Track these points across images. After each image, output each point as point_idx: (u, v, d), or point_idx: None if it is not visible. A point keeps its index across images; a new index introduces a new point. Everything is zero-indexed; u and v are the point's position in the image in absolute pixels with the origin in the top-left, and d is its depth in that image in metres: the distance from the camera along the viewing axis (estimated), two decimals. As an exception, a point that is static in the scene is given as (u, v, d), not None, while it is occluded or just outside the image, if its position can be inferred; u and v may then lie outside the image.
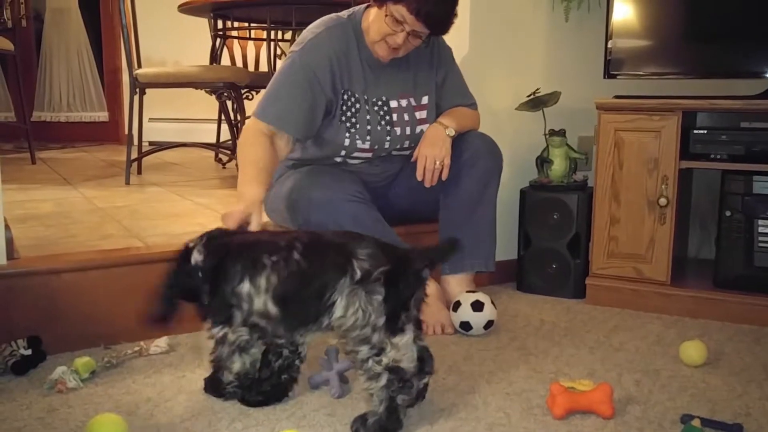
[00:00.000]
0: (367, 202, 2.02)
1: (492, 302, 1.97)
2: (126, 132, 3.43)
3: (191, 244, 1.50)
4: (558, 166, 2.39)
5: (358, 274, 1.35)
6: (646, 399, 1.56)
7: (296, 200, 2.00)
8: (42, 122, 5.32)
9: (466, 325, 1.95)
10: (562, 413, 1.45)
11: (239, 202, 1.74)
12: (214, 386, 1.55)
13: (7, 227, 1.82)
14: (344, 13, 2.08)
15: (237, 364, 1.49)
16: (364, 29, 2.03)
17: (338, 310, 1.36)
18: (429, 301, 1.98)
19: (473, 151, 2.08)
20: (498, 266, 2.29)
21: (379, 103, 2.07)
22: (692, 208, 2.54)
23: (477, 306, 1.94)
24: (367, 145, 2.07)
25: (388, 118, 2.08)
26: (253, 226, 1.68)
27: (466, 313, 1.95)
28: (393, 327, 1.35)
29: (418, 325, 1.44)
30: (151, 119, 4.47)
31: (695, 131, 2.16)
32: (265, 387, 1.51)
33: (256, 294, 1.41)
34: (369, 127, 2.05)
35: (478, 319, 1.94)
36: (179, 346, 1.84)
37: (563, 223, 2.34)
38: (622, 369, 1.73)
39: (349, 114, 2.04)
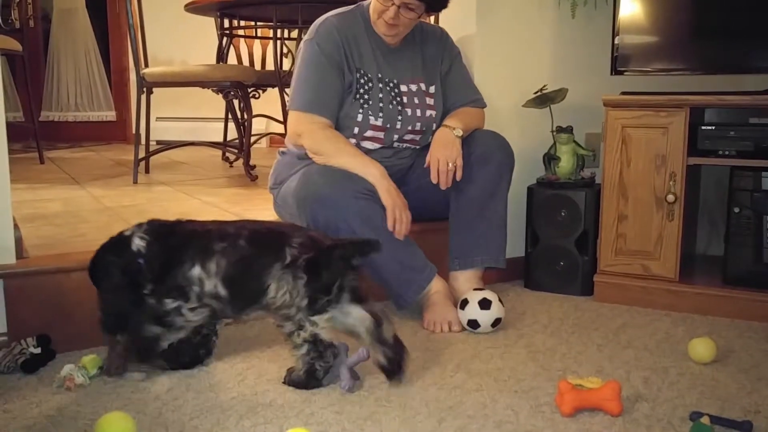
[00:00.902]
0: (376, 199, 2.02)
1: (500, 300, 1.97)
2: (133, 131, 3.43)
3: (127, 232, 1.62)
4: (565, 163, 2.38)
5: (288, 259, 1.54)
6: (655, 396, 1.56)
7: (305, 197, 2.01)
8: (50, 122, 5.34)
9: (473, 323, 1.95)
10: (570, 411, 1.45)
11: (380, 187, 1.96)
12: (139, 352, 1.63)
13: (15, 226, 1.82)
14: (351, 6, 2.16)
15: (181, 334, 1.62)
16: (371, 14, 2.10)
17: (271, 291, 1.55)
18: (437, 298, 2.02)
19: (485, 148, 2.11)
20: (506, 264, 2.29)
21: (391, 84, 2.13)
22: (700, 205, 2.52)
23: (484, 304, 1.94)
24: (379, 122, 2.09)
25: (399, 99, 2.13)
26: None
27: (473, 311, 1.94)
28: (313, 308, 1.54)
29: (360, 299, 1.61)
30: (158, 118, 4.48)
31: (703, 127, 2.15)
32: (184, 358, 1.68)
33: (207, 277, 1.56)
34: (381, 105, 2.10)
35: (485, 317, 1.94)
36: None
37: (571, 220, 2.33)
38: (631, 366, 1.73)
39: (362, 91, 2.09)
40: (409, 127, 2.14)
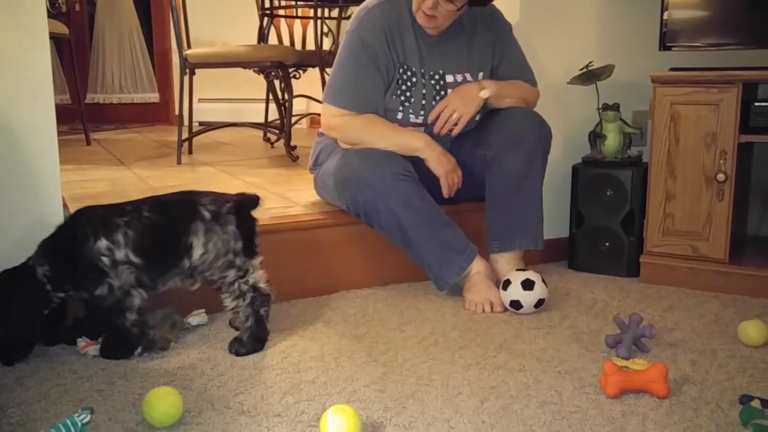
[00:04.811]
0: (415, 181, 2.01)
1: (543, 281, 1.95)
2: (176, 113, 3.47)
3: (30, 262, 1.62)
4: (612, 142, 2.33)
5: (208, 215, 1.63)
6: (703, 379, 1.52)
7: (345, 178, 2.01)
8: (95, 104, 5.43)
9: (516, 304, 1.93)
10: (615, 392, 1.43)
11: (429, 156, 2.01)
12: (120, 342, 1.65)
13: (65, 206, 1.87)
14: None
15: (136, 298, 1.64)
16: (413, 2, 2.03)
17: (198, 249, 1.63)
18: (477, 279, 2.01)
19: (519, 127, 2.06)
20: (549, 244, 2.27)
21: (436, 77, 2.08)
22: (752, 184, 2.45)
23: (527, 284, 1.92)
24: (420, 120, 2.07)
25: (443, 93, 2.08)
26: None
27: (516, 291, 1.93)
28: (249, 250, 1.67)
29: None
30: (200, 100, 4.53)
31: (756, 104, 2.08)
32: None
33: (117, 248, 1.60)
34: (423, 102, 2.05)
35: (528, 298, 1.92)
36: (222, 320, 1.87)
37: (617, 199, 2.28)
38: (678, 349, 1.70)
39: (404, 87, 2.04)
40: None
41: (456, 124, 2.04)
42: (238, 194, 1.73)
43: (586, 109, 2.40)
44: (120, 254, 1.61)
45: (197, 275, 1.68)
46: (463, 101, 2.02)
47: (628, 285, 2.22)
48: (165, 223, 1.64)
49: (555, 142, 2.14)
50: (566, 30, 2.44)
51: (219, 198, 1.69)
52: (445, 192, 2.02)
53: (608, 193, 2.29)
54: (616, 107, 2.31)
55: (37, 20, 1.77)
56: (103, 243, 1.60)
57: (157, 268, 1.65)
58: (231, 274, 1.66)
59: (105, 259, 1.60)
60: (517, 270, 1.99)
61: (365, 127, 2.02)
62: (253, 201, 1.73)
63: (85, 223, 1.62)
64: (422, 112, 2.06)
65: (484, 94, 2.03)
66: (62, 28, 3.77)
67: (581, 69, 2.32)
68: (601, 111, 2.33)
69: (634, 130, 2.36)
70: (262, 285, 1.69)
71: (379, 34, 2.00)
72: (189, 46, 3.47)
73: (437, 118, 2.04)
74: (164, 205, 1.67)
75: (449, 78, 2.09)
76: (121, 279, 1.61)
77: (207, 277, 1.67)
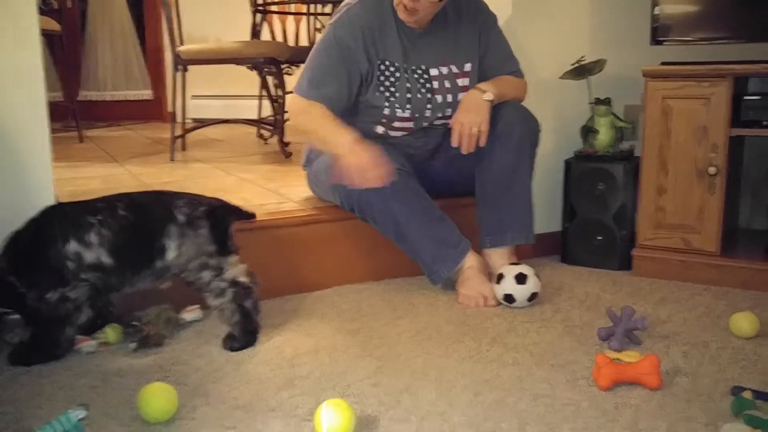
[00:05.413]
0: (409, 175, 2.02)
1: (536, 274, 1.96)
2: (169, 109, 3.46)
3: None
4: (603, 136, 2.34)
5: (182, 218, 1.63)
6: (695, 371, 1.54)
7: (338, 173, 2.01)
8: (88, 101, 5.41)
9: (509, 298, 1.94)
10: (607, 384, 1.44)
11: (343, 155, 1.91)
12: (42, 349, 1.60)
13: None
14: None
15: (83, 315, 1.62)
16: None
17: (171, 252, 1.63)
18: (471, 273, 2.01)
19: (506, 122, 2.05)
20: (542, 238, 2.28)
21: (419, 71, 2.06)
22: (743, 177, 2.46)
23: (520, 278, 1.93)
24: (407, 114, 2.06)
25: (428, 86, 2.06)
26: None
27: (509, 285, 1.93)
28: (223, 250, 1.66)
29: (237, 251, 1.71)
30: (193, 96, 4.52)
31: (747, 97, 2.09)
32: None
33: (87, 249, 1.57)
34: (409, 95, 2.05)
35: (521, 292, 1.93)
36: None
37: (609, 193, 2.29)
38: (670, 341, 1.71)
39: (387, 83, 2.03)
40: (439, 114, 2.10)
41: (479, 137, 2.00)
42: (216, 200, 1.72)
43: (578, 104, 2.41)
44: (90, 257, 1.58)
45: (168, 276, 1.67)
46: (473, 113, 2.00)
47: (621, 278, 2.23)
48: (140, 223, 1.62)
49: (547, 137, 2.15)
50: (558, 24, 2.44)
51: (193, 200, 1.68)
52: (357, 183, 1.93)
53: (600, 187, 2.30)
54: (607, 101, 2.32)
55: (28, 17, 1.77)
56: (71, 246, 1.57)
57: (129, 269, 1.63)
58: (206, 274, 1.65)
59: (70, 265, 1.57)
60: (510, 264, 2.00)
61: (307, 113, 2.01)
62: (235, 213, 1.73)
63: (54, 223, 1.60)
64: (408, 106, 2.06)
65: (489, 96, 2.01)
66: (54, 25, 3.77)
67: (573, 64, 2.33)
68: (592, 105, 2.34)
69: (626, 124, 2.37)
70: (241, 279, 1.68)
71: (356, 32, 1.99)
72: (182, 43, 3.46)
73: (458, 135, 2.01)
74: (139, 205, 1.65)
75: (433, 71, 2.08)
76: (77, 292, 1.59)
77: (184, 278, 1.67)
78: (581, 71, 2.33)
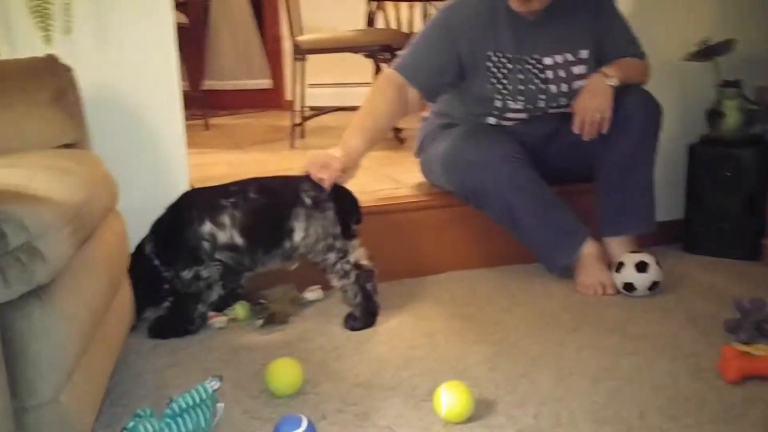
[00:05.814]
0: (524, 162, 2.01)
1: (657, 263, 1.90)
2: (287, 98, 3.58)
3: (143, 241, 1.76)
4: (731, 119, 2.22)
5: (309, 201, 1.71)
6: (832, 367, 1.45)
7: (452, 162, 2.03)
8: (211, 90, 5.68)
9: (629, 287, 1.90)
10: (736, 377, 1.39)
11: (339, 150, 1.87)
12: (177, 324, 1.72)
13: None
14: None
15: (214, 293, 1.74)
16: None
17: (299, 233, 1.71)
18: (589, 261, 1.98)
19: (628, 107, 1.98)
20: (664, 226, 2.20)
21: (532, 61, 2.03)
22: None
23: (641, 267, 1.88)
24: (520, 105, 2.05)
25: (542, 76, 2.03)
26: (344, 180, 1.85)
27: (629, 274, 1.89)
28: (348, 233, 1.74)
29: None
30: (309, 85, 4.64)
31: None
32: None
33: (221, 230, 1.68)
34: (522, 87, 2.02)
35: (642, 280, 1.89)
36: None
37: (736, 180, 2.19)
38: (804, 335, 1.62)
39: (500, 75, 2.02)
40: (554, 104, 2.06)
41: (602, 124, 1.96)
42: (339, 185, 1.79)
43: (704, 85, 2.29)
44: (223, 237, 1.69)
45: (297, 257, 1.76)
46: (597, 98, 1.95)
47: (749, 269, 2.13)
48: (269, 205, 1.72)
49: (670, 121, 2.07)
50: (681, 3, 2.34)
51: (317, 185, 1.75)
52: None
53: (727, 173, 2.19)
54: (736, 83, 2.20)
55: (165, 13, 1.89)
56: (207, 227, 1.69)
57: (261, 249, 1.73)
58: (332, 256, 1.73)
59: (205, 245, 1.69)
60: (631, 252, 1.95)
61: (373, 91, 2.05)
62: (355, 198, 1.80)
63: (191, 206, 1.72)
64: (521, 98, 2.03)
65: (613, 82, 1.95)
66: (182, 18, 3.97)
67: (698, 45, 2.22)
68: (720, 87, 2.23)
69: (757, 107, 2.25)
70: (364, 262, 1.75)
71: (462, 20, 1.99)
72: (301, 33, 3.57)
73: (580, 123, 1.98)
74: (268, 189, 1.74)
75: (547, 60, 2.03)
76: (210, 271, 1.71)
77: (310, 259, 1.75)
78: (708, 53, 2.21)
